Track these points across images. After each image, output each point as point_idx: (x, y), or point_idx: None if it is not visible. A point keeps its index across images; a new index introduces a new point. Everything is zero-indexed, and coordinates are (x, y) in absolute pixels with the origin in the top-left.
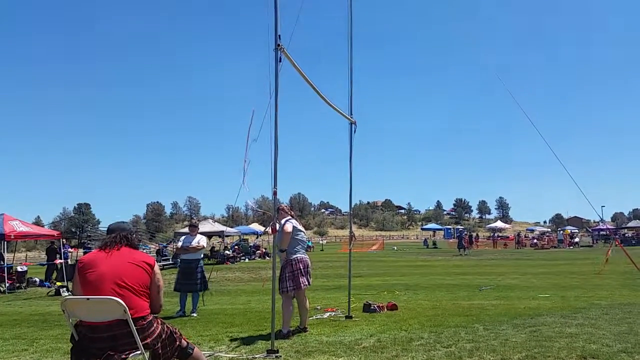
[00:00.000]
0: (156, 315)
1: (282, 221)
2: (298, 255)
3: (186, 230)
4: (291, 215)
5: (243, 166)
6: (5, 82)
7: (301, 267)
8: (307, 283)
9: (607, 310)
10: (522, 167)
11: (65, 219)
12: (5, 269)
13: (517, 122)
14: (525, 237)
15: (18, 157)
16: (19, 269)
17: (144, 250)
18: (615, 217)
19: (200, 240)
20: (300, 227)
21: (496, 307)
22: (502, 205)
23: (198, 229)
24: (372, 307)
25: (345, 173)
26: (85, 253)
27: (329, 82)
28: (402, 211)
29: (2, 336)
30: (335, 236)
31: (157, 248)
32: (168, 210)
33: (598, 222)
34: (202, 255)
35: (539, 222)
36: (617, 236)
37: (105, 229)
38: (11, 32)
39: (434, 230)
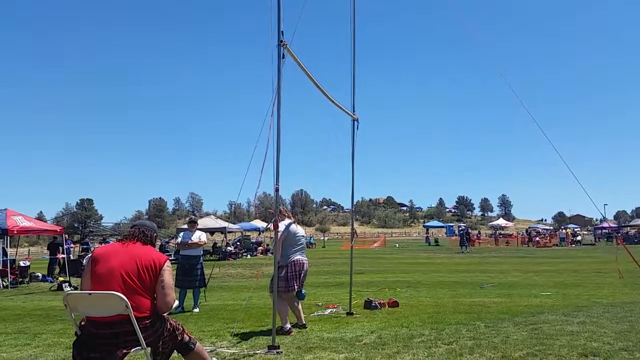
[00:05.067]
0: (163, 313)
1: (281, 225)
2: (296, 257)
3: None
4: (288, 217)
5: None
6: (7, 80)
7: (297, 270)
8: (296, 288)
9: (609, 308)
10: (524, 165)
11: (68, 215)
12: (8, 263)
13: (520, 120)
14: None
15: (21, 153)
16: (21, 263)
17: None
18: (617, 216)
19: (201, 236)
20: (299, 230)
21: (497, 304)
22: (505, 203)
23: (197, 224)
24: (374, 304)
25: (348, 170)
26: (83, 249)
27: (331, 79)
28: (404, 208)
29: (4, 330)
30: (337, 233)
31: (160, 244)
32: (170, 206)
33: (600, 220)
34: (202, 252)
35: (542, 220)
36: (619, 234)
37: (108, 224)
38: (11, 32)
39: (428, 227)
